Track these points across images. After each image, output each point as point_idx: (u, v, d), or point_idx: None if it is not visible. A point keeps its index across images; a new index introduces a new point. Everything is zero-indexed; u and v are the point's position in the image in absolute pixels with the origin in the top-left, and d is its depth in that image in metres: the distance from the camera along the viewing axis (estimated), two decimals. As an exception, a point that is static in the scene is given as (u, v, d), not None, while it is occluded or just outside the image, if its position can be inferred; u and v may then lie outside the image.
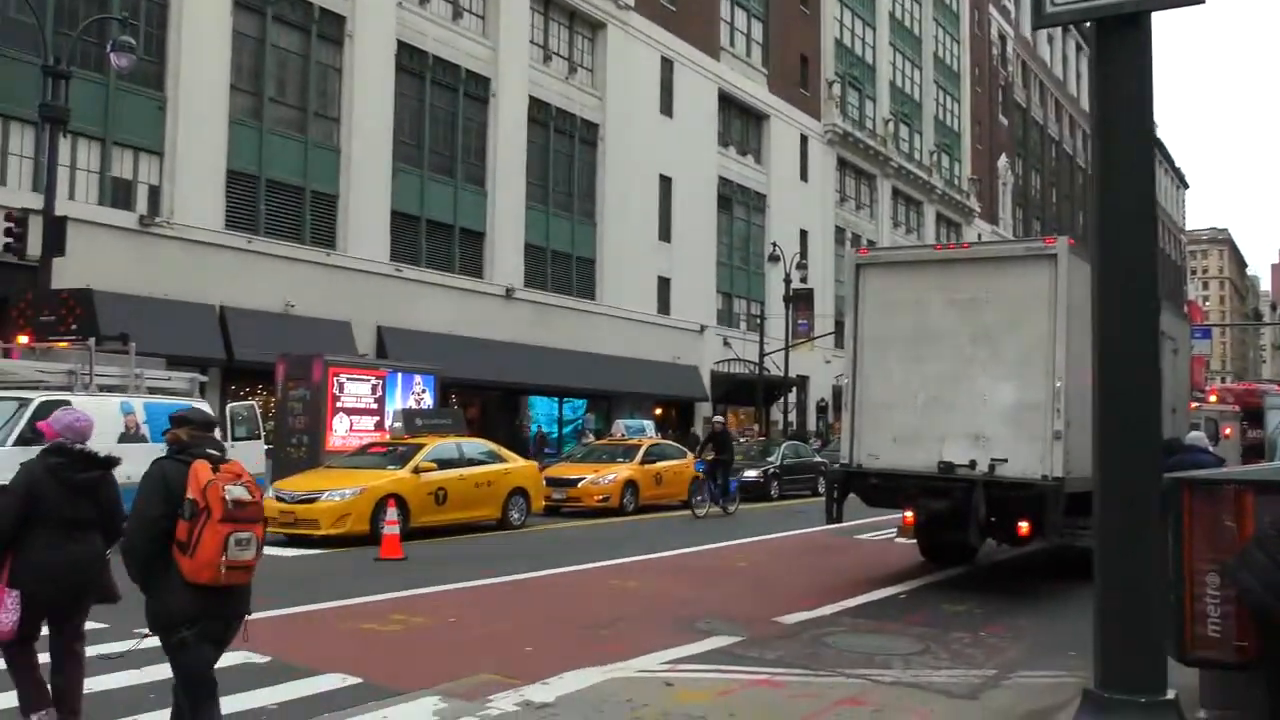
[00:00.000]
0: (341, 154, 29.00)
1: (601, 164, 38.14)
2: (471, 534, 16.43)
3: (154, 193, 24.74)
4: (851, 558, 14.53)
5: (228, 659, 7.45)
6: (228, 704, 6.30)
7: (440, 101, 32.24)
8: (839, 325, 47.57)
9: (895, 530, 13.85)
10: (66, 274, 19.25)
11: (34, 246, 18.55)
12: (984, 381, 10.85)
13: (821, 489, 25.54)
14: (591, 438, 31.00)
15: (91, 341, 15.28)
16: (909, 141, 60.18)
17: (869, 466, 11.48)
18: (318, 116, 28.74)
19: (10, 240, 18.49)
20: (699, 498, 20.44)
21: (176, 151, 24.93)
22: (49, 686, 5.75)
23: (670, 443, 25.32)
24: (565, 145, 37.03)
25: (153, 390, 15.91)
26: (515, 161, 34.25)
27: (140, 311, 21.43)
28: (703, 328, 42.34)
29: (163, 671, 5.07)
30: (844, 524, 12.44)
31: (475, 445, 18.11)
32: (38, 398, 13.58)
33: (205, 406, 12.51)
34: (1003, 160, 70.71)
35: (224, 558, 4.56)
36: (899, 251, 14.78)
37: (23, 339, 15.89)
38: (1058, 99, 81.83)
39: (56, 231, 18.04)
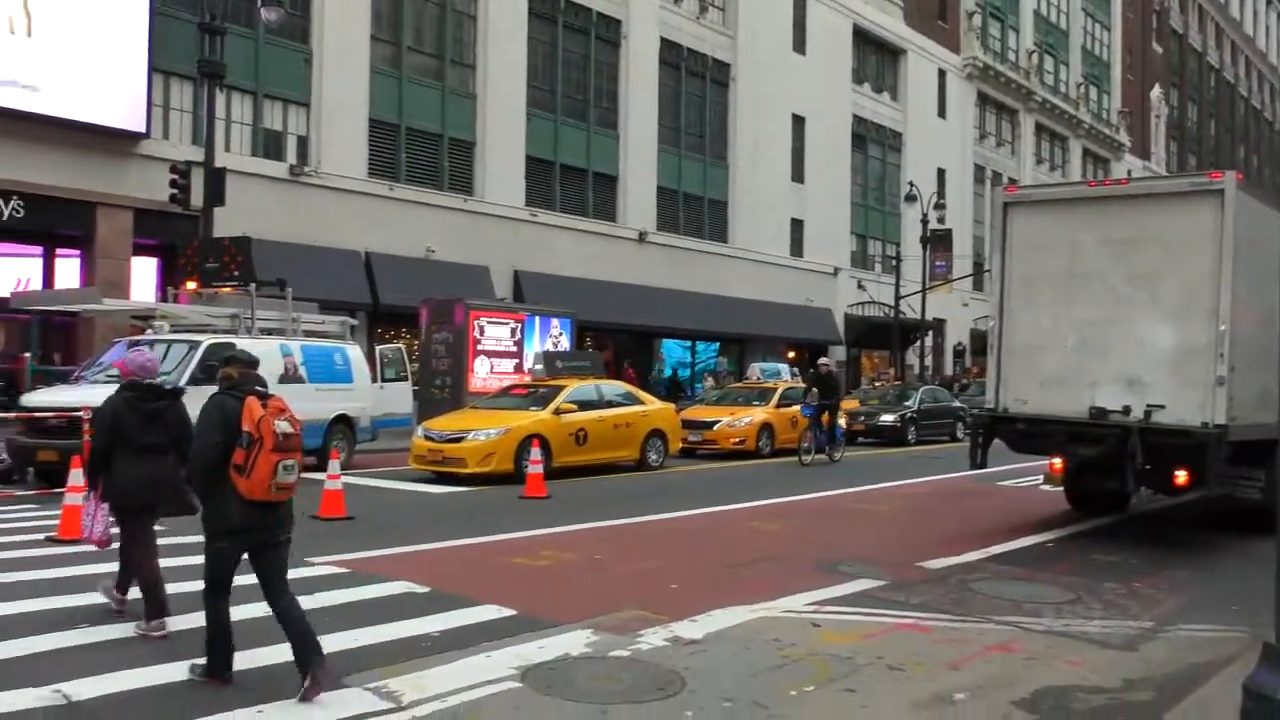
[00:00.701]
0: (477, 100, 29.43)
1: (733, 105, 37.68)
2: (610, 474, 16.76)
3: (302, 143, 25.65)
4: (995, 504, 14.27)
5: (391, 588, 7.93)
6: (394, 630, 6.69)
7: (572, 45, 32.31)
8: (978, 267, 46.24)
9: (1040, 477, 13.53)
10: (225, 223, 20.20)
11: (196, 197, 19.51)
12: (1140, 325, 10.43)
13: (960, 434, 25.22)
14: (711, 381, 30.93)
15: (252, 287, 16.06)
16: (1054, 74, 57.44)
17: (1016, 411, 11.22)
18: (454, 64, 29.21)
19: (175, 192, 19.48)
20: (804, 444, 19.47)
21: (322, 102, 25.74)
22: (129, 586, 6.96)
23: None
24: (697, 86, 36.70)
25: (308, 334, 16.68)
26: (647, 104, 34.16)
27: (292, 258, 22.33)
28: (836, 270, 41.73)
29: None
30: (986, 470, 12.21)
31: (613, 387, 18.40)
32: (206, 340, 14.39)
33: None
34: (1156, 91, 66.88)
35: (274, 480, 5.33)
36: (1049, 189, 14.23)
37: (190, 285, 16.82)
38: (1219, 24, 76.61)
39: (216, 182, 18.92)
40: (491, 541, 10.27)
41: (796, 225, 40.34)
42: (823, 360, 22.00)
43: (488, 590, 7.92)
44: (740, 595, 7.85)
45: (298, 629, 5.45)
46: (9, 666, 5.74)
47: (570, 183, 32.22)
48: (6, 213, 20.39)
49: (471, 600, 7.58)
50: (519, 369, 22.04)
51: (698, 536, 11.11)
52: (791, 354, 38.02)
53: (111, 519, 7.00)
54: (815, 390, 19.91)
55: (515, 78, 30.16)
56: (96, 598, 7.19)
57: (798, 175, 40.38)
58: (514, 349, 22.50)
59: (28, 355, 19.11)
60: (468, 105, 29.32)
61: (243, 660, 5.71)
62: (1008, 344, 11.36)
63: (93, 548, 7.64)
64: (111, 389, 6.85)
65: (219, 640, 5.59)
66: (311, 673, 5.32)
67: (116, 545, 7.02)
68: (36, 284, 21.80)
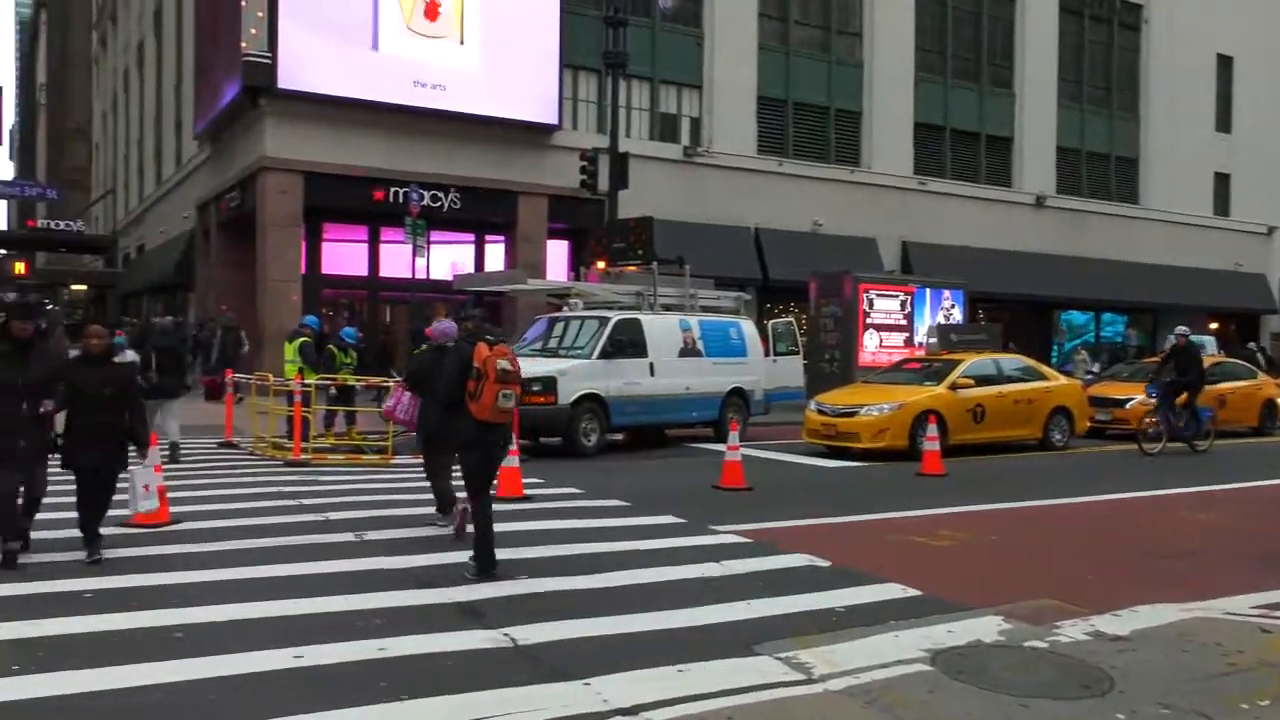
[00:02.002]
0: (864, 69, 29.04)
1: (1145, 50, 34.31)
2: (1010, 453, 16.01)
3: (695, 124, 26.67)
4: None
5: (793, 560, 8.10)
6: (799, 602, 6.81)
7: (962, 3, 30.92)
8: None
9: None
10: (627, 205, 21.52)
11: (603, 182, 20.95)
12: None
13: None
14: (1084, 355, 28.10)
15: (654, 265, 16.97)
16: None
17: None
18: (839, 34, 29.00)
19: (585, 178, 21.04)
20: (1149, 429, 16.20)
21: (714, 83, 26.60)
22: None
23: (1238, 361, 22.45)
24: (1102, 33, 33.79)
25: (704, 309, 17.34)
26: (1045, 58, 31.98)
27: (687, 236, 23.34)
28: (1271, 229, 36.83)
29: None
30: None
31: (1013, 362, 17.50)
32: (615, 316, 15.41)
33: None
34: None
35: (495, 405, 7.10)
36: None
37: (600, 264, 18.09)
38: None
39: (620, 167, 20.21)
40: (889, 519, 10.18)
41: (1221, 180, 36.08)
42: (1180, 329, 17.94)
43: (889, 567, 7.86)
44: (1167, 591, 7.22)
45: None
46: (442, 614, 6.48)
47: (961, 147, 30.95)
48: (446, 204, 23.03)
49: (874, 577, 7.56)
50: (908, 343, 21.59)
51: (1112, 523, 10.34)
52: (1214, 325, 34.13)
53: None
54: (1172, 362, 16.87)
55: (902, 42, 29.42)
56: (534, 551, 7.96)
57: (1223, 124, 36.06)
58: (903, 322, 22.07)
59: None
60: (854, 75, 29.03)
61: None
62: None
63: (524, 505, 8.35)
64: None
65: (483, 537, 7.18)
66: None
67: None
68: (469, 267, 24.47)
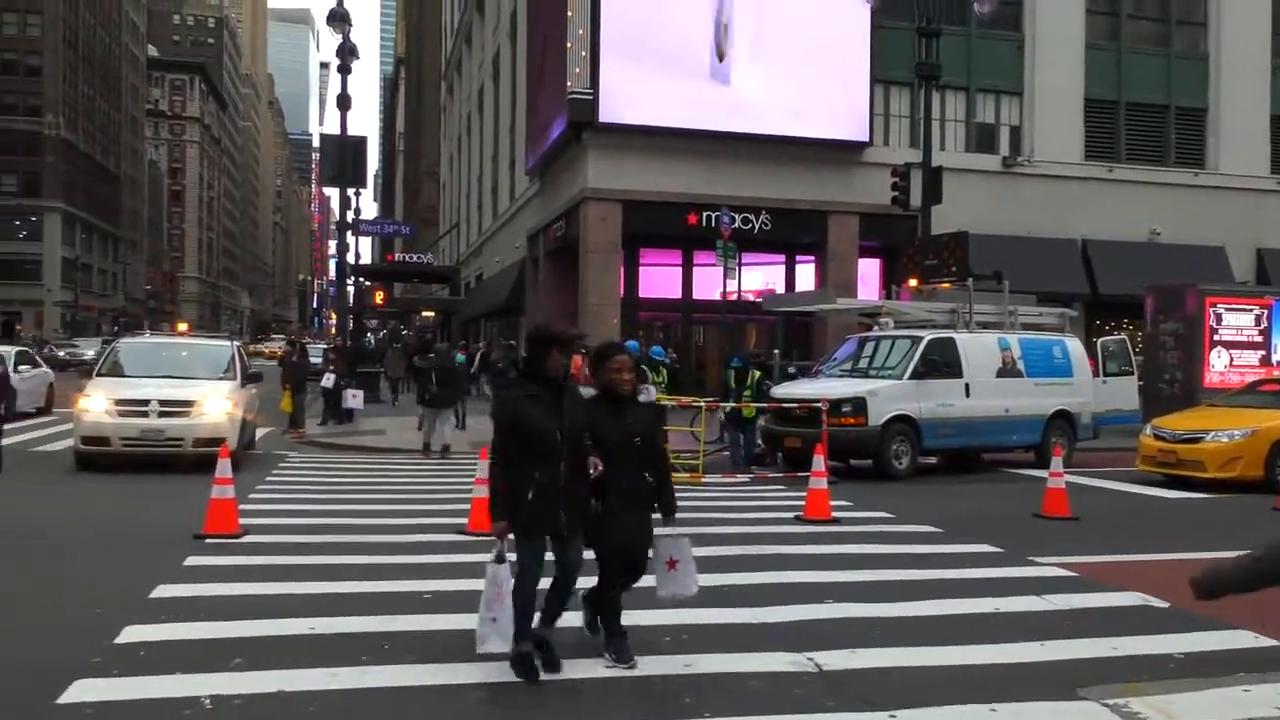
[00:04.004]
0: (1209, 61, 26.55)
1: None
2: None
3: (1014, 133, 25.51)
4: None
5: (1124, 598, 7.51)
6: (1131, 644, 6.31)
7: (1333, -22, 27.55)
8: None
9: None
10: (941, 220, 20.88)
11: (915, 197, 20.46)
12: None
13: None
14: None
15: (970, 282, 16.34)
16: None
17: None
18: (1180, 25, 26.75)
19: (896, 194, 20.64)
20: None
21: (1035, 89, 25.35)
22: None
23: None
24: None
25: (1025, 326, 16.48)
26: None
27: (1005, 250, 22.30)
28: None
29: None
30: None
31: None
32: (927, 335, 14.99)
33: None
34: None
35: None
36: None
37: (912, 282, 17.68)
38: None
39: (934, 181, 19.65)
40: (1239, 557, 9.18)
41: None
42: None
43: (1239, 612, 7.03)
44: None
45: None
46: (747, 634, 6.52)
47: (1331, 141, 27.53)
48: (756, 225, 23.38)
49: (1220, 622, 6.85)
50: (1265, 362, 19.41)
51: None
52: None
53: None
54: None
55: (1256, 28, 26.63)
56: (841, 575, 7.90)
57: None
58: (1259, 339, 19.86)
59: (776, 352, 21.68)
60: (1197, 69, 26.63)
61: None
62: None
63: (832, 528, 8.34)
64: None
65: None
66: None
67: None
68: (779, 289, 24.67)
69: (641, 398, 6.42)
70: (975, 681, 5.51)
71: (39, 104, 79.37)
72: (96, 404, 13.31)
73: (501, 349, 19.65)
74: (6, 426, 13.55)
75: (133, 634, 5.90)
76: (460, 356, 23.83)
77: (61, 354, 44.96)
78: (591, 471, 5.37)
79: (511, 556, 5.24)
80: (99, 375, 14.49)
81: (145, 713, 4.77)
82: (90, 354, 45.53)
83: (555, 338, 5.36)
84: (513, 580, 5.19)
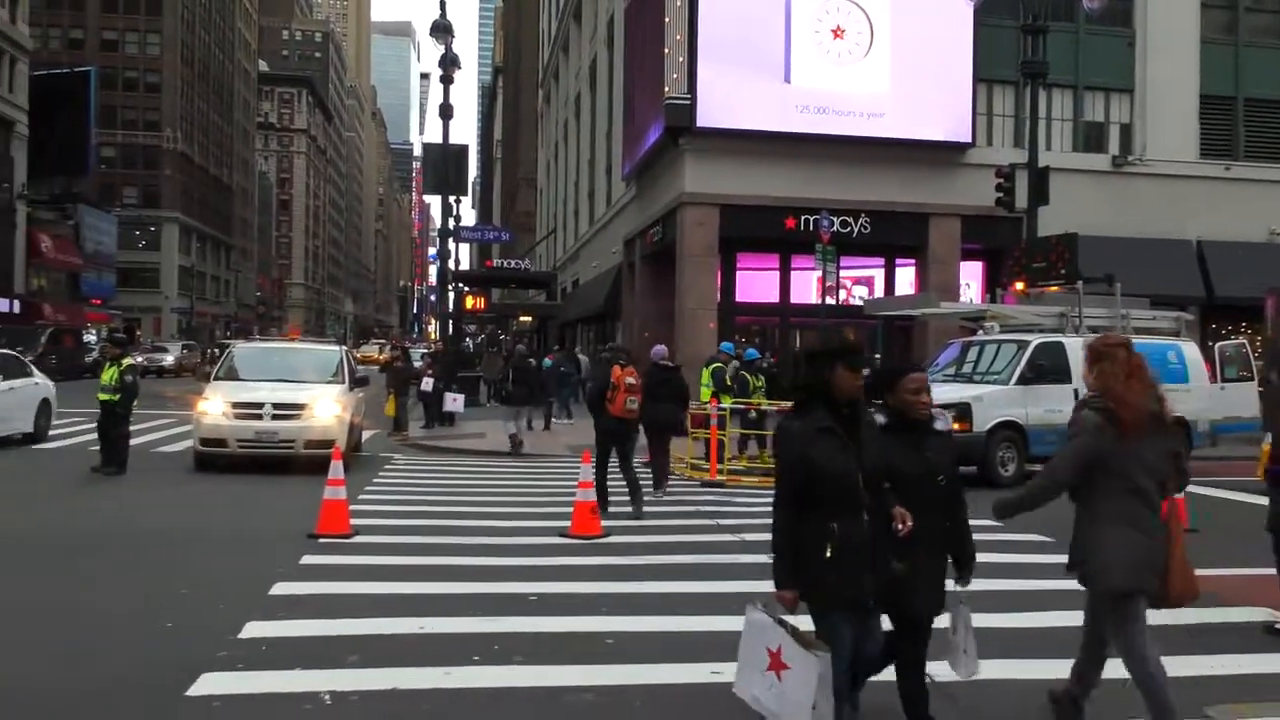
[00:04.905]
0: (1337, 52, 25.37)
1: None
2: None
3: (1124, 131, 24.74)
4: None
5: (1246, 614, 7.23)
6: (1256, 663, 6.09)
7: None
8: None
9: None
10: (1047, 221, 20.33)
11: (1020, 198, 19.96)
12: None
13: None
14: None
15: (1079, 284, 15.90)
16: None
17: None
18: (1305, 15, 25.56)
19: (1000, 195, 20.17)
20: None
21: (1146, 86, 24.55)
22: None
23: None
24: None
25: (1138, 330, 15.96)
26: None
27: (1116, 252, 21.61)
28: None
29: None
30: None
31: None
32: (1035, 339, 14.62)
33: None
34: None
35: (625, 407, 10.89)
36: None
37: (1018, 285, 17.26)
38: None
39: (1040, 182, 19.14)
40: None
41: None
42: None
43: (1374, 632, 6.77)
44: None
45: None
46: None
47: None
48: (855, 228, 23.12)
49: (1352, 642, 6.55)
50: (1400, 366, 18.41)
51: None
52: None
53: None
54: None
55: (1389, 17, 25.33)
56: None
57: None
58: (1393, 342, 18.86)
59: (877, 357, 21.39)
60: (1323, 61, 25.43)
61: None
62: None
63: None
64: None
65: (634, 488, 10.82)
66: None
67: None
68: (879, 292, 24.33)
69: (939, 425, 4.74)
70: (1095, 698, 5.37)
71: (158, 119, 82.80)
72: (214, 407, 13.79)
73: (516, 350, 20.35)
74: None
75: (254, 630, 6.12)
76: (548, 361, 24.10)
77: (140, 360, 46.26)
78: (899, 527, 4.16)
79: (791, 618, 4.12)
80: (216, 379, 15.01)
81: (268, 706, 4.95)
82: (170, 360, 47.16)
83: (839, 350, 4.10)
84: (830, 672, 3.86)
